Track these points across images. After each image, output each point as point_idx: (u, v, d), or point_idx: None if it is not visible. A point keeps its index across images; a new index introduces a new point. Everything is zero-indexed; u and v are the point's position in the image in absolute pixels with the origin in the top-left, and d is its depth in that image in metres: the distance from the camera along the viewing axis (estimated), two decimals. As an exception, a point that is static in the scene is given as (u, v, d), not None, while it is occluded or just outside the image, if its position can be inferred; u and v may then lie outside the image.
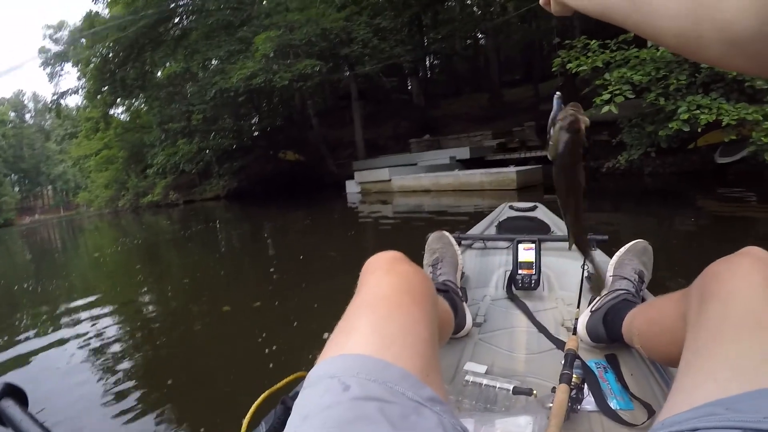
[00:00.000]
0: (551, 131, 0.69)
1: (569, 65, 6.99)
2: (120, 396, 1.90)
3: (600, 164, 9.69)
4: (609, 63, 6.71)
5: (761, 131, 5.22)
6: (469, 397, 0.88)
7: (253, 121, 17.88)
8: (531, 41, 19.33)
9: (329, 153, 16.69)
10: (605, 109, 6.16)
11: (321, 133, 17.14)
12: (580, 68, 6.84)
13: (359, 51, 14.31)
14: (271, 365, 2.02)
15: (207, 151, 16.72)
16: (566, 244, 1.70)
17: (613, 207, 6.98)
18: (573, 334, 0.95)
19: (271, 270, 4.28)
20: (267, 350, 2.18)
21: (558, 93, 0.72)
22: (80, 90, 19.53)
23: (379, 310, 0.58)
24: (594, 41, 6.96)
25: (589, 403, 0.85)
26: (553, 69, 7.68)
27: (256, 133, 18.21)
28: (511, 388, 0.86)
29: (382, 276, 0.64)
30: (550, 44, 19.24)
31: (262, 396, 0.73)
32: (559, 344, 1.04)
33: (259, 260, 4.97)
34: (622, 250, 1.17)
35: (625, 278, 1.07)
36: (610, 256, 1.23)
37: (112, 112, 21.55)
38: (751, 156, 6.23)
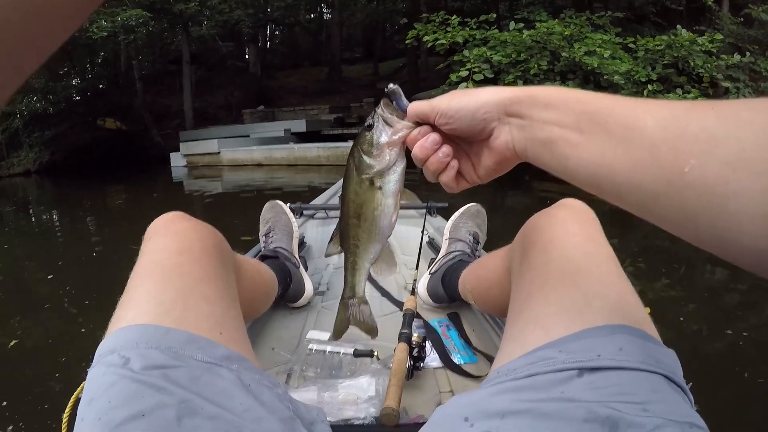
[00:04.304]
0: (378, 138, 0.57)
1: (426, 38, 7.36)
2: None
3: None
4: (467, 41, 7.20)
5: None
6: (313, 366, 0.97)
7: (73, 82, 15.90)
8: (375, 21, 20.55)
9: (154, 122, 15.62)
10: (462, 85, 6.66)
11: (146, 100, 16.15)
12: (438, 42, 7.23)
13: (196, 9, 13.70)
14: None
15: (16, 116, 14.50)
16: (408, 211, 1.87)
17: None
18: (411, 294, 1.07)
19: (50, 277, 3.64)
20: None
21: (394, 86, 0.59)
22: None
23: (155, 276, 0.60)
24: (455, 17, 7.40)
25: (434, 360, 0.98)
26: (407, 41, 8.00)
27: (77, 98, 16.30)
28: (352, 351, 0.95)
29: (158, 240, 0.67)
30: (393, 25, 20.61)
31: (75, 394, 0.69)
32: (401, 306, 1.17)
33: (44, 259, 4.36)
34: (457, 213, 1.34)
35: (461, 240, 1.25)
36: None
37: None
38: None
